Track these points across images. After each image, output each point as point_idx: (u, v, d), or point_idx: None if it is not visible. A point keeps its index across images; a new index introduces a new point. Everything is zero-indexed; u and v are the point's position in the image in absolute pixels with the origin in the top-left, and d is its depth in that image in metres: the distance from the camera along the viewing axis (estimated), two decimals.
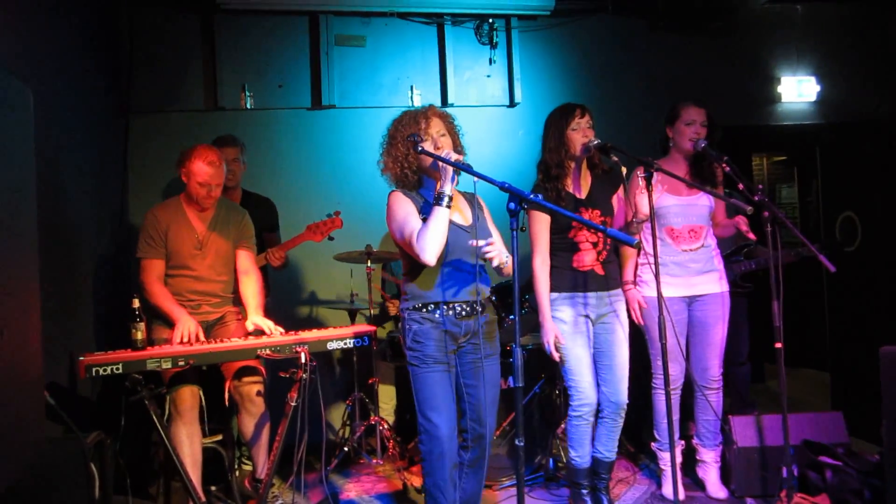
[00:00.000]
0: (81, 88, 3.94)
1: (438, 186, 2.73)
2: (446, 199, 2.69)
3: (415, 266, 2.83)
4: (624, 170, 3.40)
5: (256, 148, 4.78)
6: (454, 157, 2.69)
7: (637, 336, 3.57)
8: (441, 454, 2.76)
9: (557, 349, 3.31)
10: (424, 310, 2.82)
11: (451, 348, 2.84)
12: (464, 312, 2.83)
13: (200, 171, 3.46)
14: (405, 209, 2.82)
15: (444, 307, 2.81)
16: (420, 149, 2.73)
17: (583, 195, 3.41)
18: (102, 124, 4.34)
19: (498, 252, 2.67)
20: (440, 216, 2.69)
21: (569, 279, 3.36)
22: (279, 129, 4.98)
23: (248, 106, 4.88)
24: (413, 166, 2.85)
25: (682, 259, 3.58)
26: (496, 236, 2.92)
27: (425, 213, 2.78)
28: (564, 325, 3.33)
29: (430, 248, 2.67)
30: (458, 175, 2.78)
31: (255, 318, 3.47)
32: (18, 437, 1.75)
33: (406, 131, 2.83)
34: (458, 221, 2.86)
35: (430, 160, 2.79)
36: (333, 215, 4.21)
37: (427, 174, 2.90)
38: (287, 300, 4.93)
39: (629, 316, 3.54)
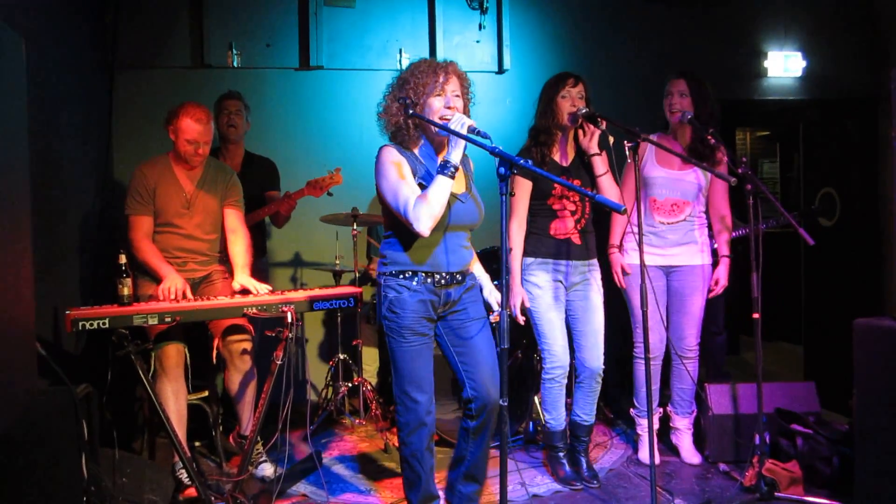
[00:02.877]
0: (66, 41, 3.88)
1: (444, 154, 2.57)
2: (452, 169, 2.54)
3: (399, 230, 2.69)
4: (611, 139, 3.44)
5: None
6: (467, 122, 2.51)
7: (614, 303, 3.63)
8: (419, 427, 2.71)
9: (523, 313, 3.39)
10: (402, 276, 2.70)
11: (430, 316, 2.73)
12: (443, 281, 2.72)
13: (188, 129, 3.44)
14: (399, 169, 2.64)
15: (423, 275, 2.69)
16: (412, 112, 2.61)
17: (567, 163, 3.44)
18: (88, 78, 4.28)
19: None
20: (443, 187, 2.53)
21: (545, 245, 3.42)
22: (266, 89, 4.94)
23: (235, 64, 4.82)
24: (416, 119, 2.67)
25: (660, 230, 3.62)
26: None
27: (423, 178, 2.65)
28: (538, 290, 3.40)
29: (427, 220, 2.53)
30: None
31: (242, 277, 3.47)
32: (11, 388, 1.76)
33: (423, 80, 2.65)
34: (454, 191, 2.69)
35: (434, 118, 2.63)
36: (333, 171, 4.20)
37: (426, 134, 2.75)
38: (272, 261, 4.94)
39: (612, 280, 3.61)
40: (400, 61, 5.02)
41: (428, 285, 2.70)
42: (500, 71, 5.20)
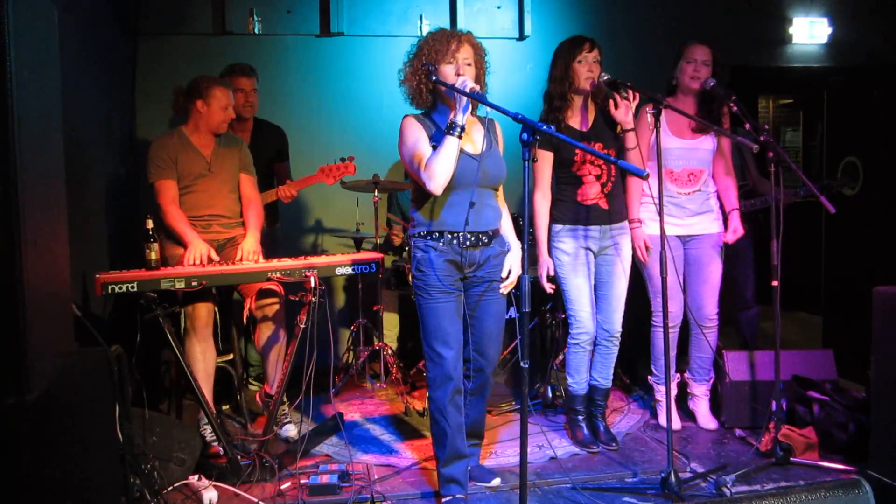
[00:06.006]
0: (91, 7, 3.91)
1: (451, 115, 2.70)
2: (458, 129, 2.67)
3: (422, 193, 2.83)
4: (634, 105, 3.40)
5: (264, 74, 4.72)
6: (470, 85, 2.64)
7: (635, 270, 3.65)
8: (445, 381, 2.83)
9: (551, 281, 3.44)
10: (429, 237, 2.82)
11: (457, 277, 2.86)
12: (468, 242, 2.82)
13: (223, 95, 3.60)
14: (416, 135, 2.81)
15: (449, 236, 2.80)
16: (434, 78, 2.73)
17: (586, 128, 3.44)
18: (111, 45, 4.32)
19: (509, 286, 2.97)
20: (450, 146, 2.67)
21: (572, 212, 3.43)
22: (287, 56, 4.96)
23: (256, 31, 4.83)
24: (430, 84, 2.80)
25: (679, 200, 3.63)
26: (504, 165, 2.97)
27: (436, 140, 2.76)
28: (566, 257, 3.43)
29: (438, 178, 2.68)
30: (474, 107, 2.80)
31: (246, 241, 3.59)
32: (51, 348, 1.83)
33: (435, 47, 2.77)
34: (468, 150, 2.83)
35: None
36: (347, 160, 4.21)
37: (442, 100, 2.85)
38: (294, 227, 4.99)
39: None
40: (420, 27, 5.01)
41: (454, 246, 2.81)
42: (521, 37, 5.18)
